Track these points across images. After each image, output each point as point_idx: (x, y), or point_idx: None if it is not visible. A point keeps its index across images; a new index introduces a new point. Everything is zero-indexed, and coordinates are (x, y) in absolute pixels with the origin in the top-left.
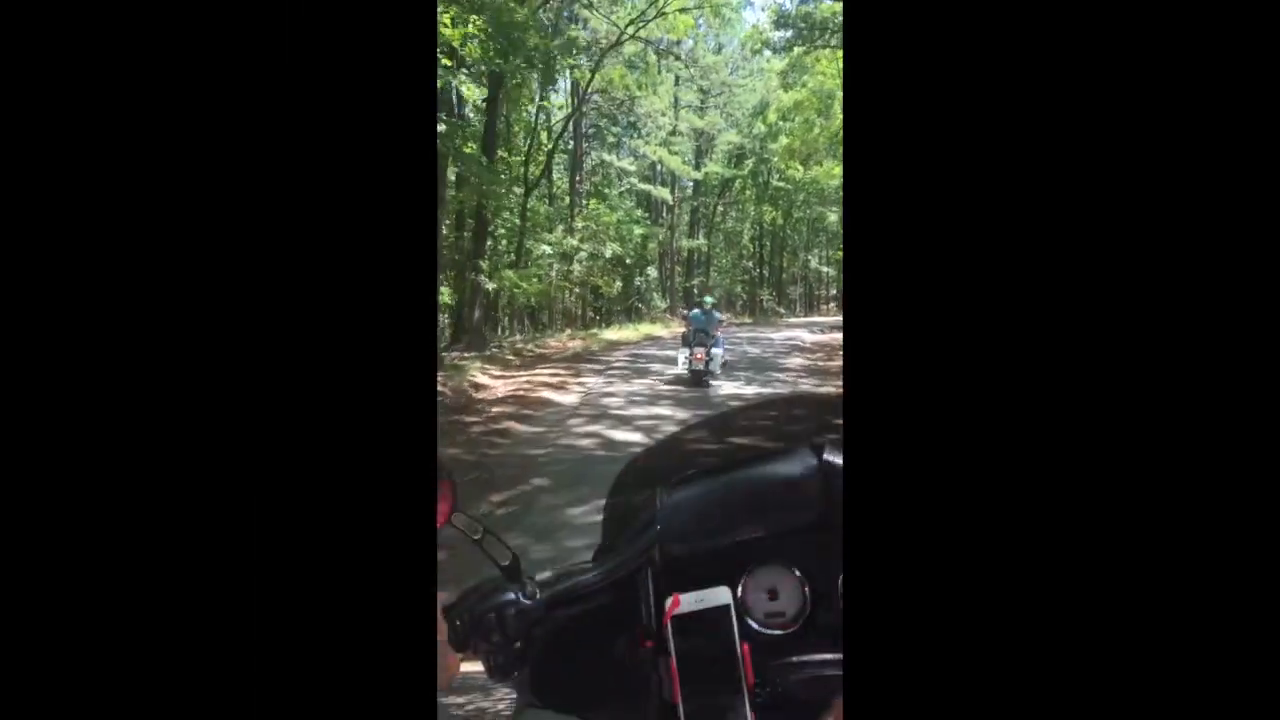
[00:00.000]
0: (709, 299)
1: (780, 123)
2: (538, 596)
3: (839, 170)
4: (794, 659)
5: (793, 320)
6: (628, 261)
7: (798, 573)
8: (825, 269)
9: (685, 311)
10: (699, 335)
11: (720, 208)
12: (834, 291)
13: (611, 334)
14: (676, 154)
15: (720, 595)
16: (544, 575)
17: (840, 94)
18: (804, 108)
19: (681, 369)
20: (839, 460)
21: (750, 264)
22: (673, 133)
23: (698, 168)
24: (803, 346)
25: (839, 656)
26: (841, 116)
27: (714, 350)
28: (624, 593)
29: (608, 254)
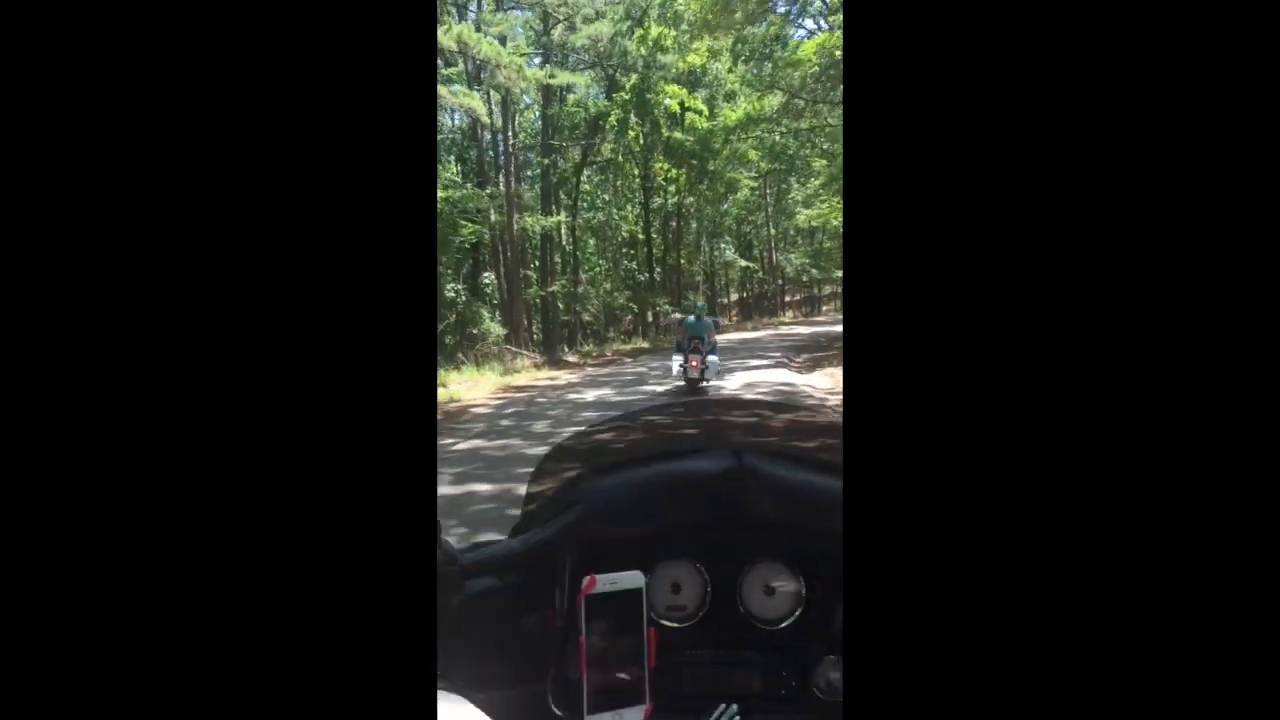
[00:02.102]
0: (701, 304)
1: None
2: (457, 561)
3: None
4: (687, 652)
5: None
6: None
7: (702, 569)
8: (747, 264)
9: (679, 317)
10: (694, 342)
11: (585, 171)
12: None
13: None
14: (512, 57)
15: (634, 579)
16: (458, 544)
17: None
18: None
19: (677, 377)
20: (757, 464)
21: (635, 263)
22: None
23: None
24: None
25: (730, 653)
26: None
27: (709, 357)
28: (538, 571)
29: None
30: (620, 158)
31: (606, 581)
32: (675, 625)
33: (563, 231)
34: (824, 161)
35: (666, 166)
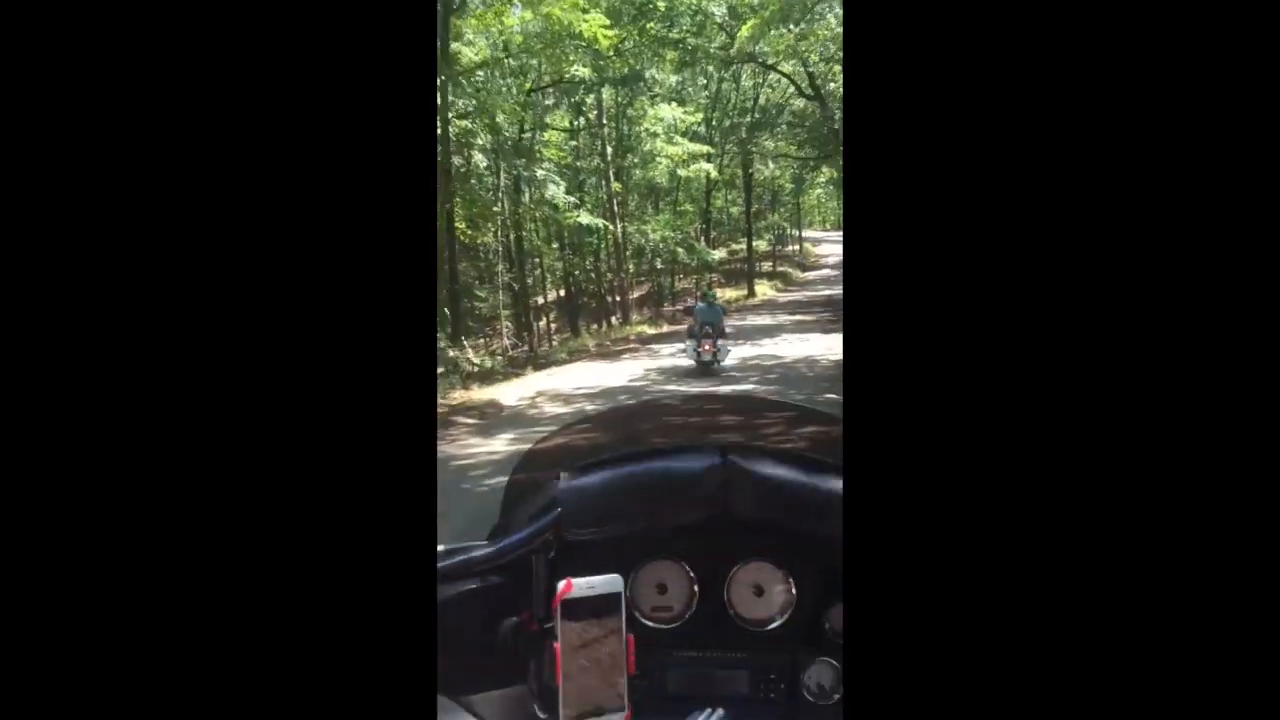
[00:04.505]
0: (714, 293)
1: None
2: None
3: None
4: (673, 653)
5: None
6: None
7: (688, 569)
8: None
9: (691, 304)
10: (705, 328)
11: None
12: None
13: None
14: None
15: (613, 583)
16: (439, 547)
17: None
18: None
19: (690, 360)
20: (743, 462)
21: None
22: None
23: None
24: None
25: (717, 655)
26: None
27: (719, 341)
28: (515, 574)
29: None
30: None
31: (584, 585)
32: (661, 626)
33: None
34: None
35: None
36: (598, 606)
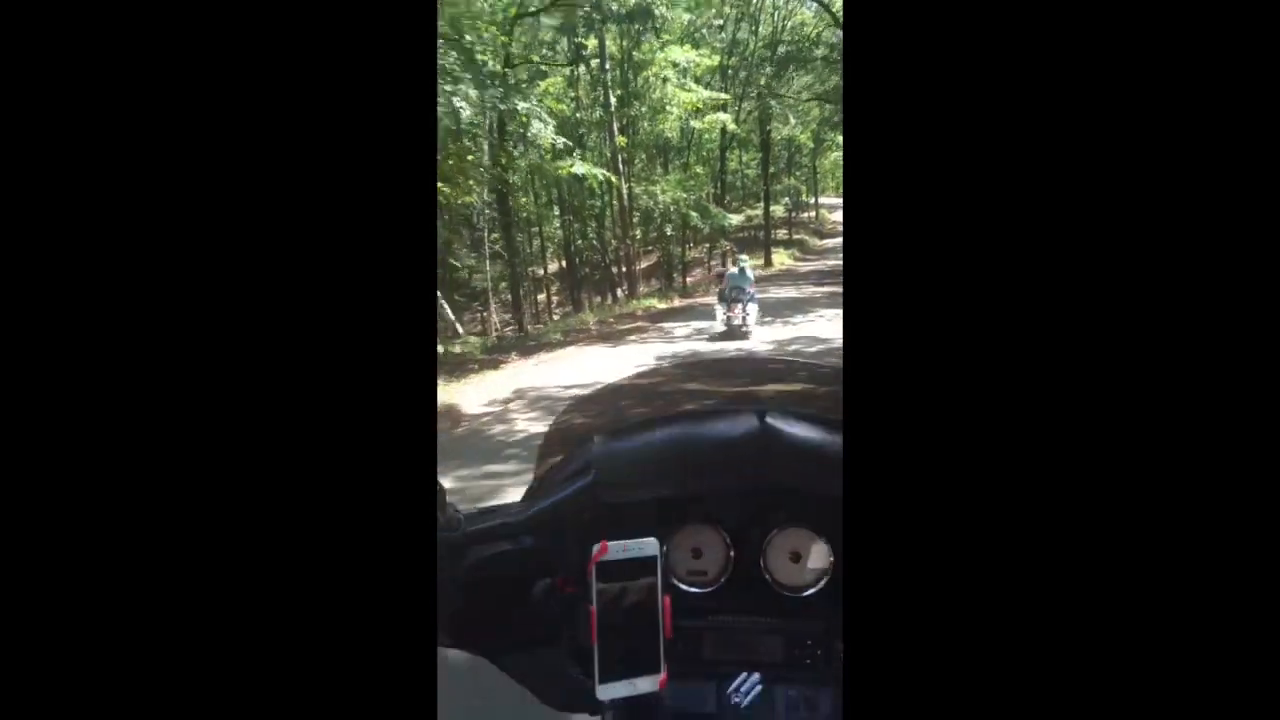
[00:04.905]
0: (745, 259)
1: None
2: (461, 527)
3: None
4: (709, 618)
5: None
6: None
7: (724, 534)
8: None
9: (722, 269)
10: (735, 291)
11: None
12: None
13: None
14: None
15: (648, 546)
16: (468, 508)
17: None
18: None
19: (720, 324)
20: (782, 425)
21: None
22: None
23: None
24: None
25: (753, 620)
26: None
27: (749, 305)
28: (549, 536)
29: None
30: None
31: (619, 548)
32: (696, 590)
33: None
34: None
35: None
36: (633, 569)
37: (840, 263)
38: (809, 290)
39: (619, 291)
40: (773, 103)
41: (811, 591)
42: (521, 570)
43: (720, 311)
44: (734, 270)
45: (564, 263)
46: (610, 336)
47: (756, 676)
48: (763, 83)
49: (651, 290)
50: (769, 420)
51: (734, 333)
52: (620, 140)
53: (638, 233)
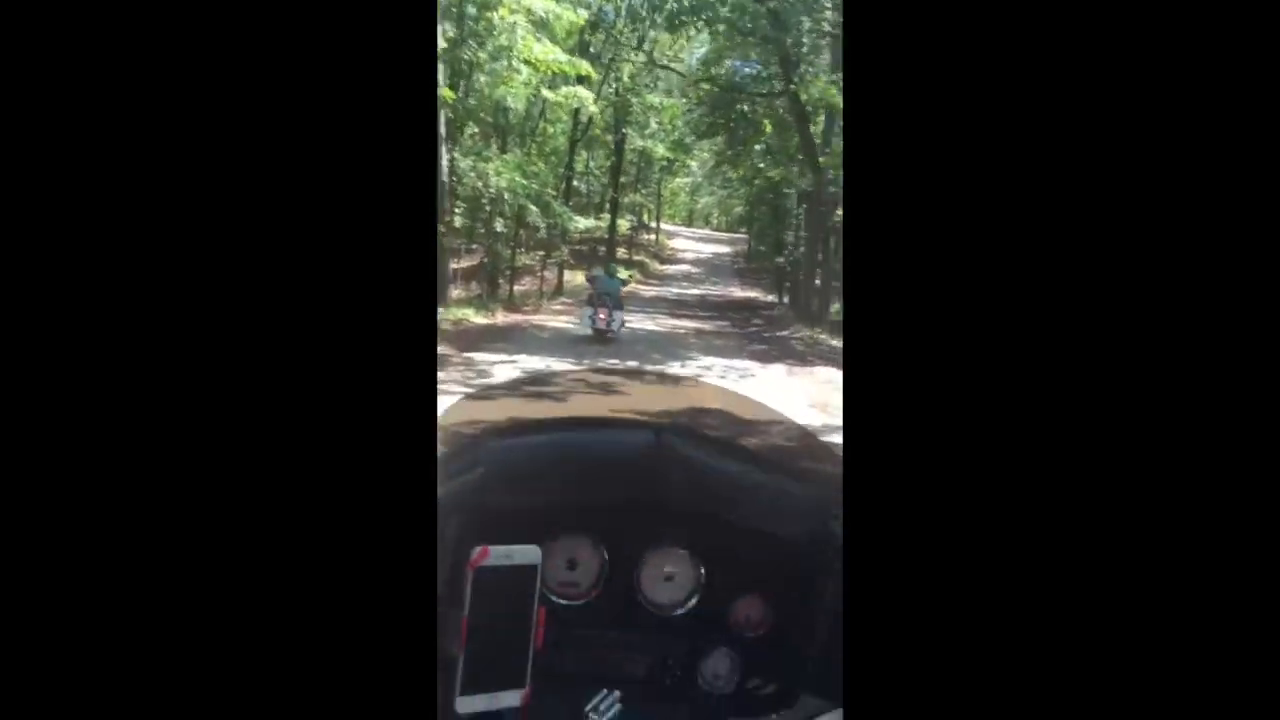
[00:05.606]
0: (615, 266)
1: None
2: None
3: None
4: (574, 631)
5: None
6: None
7: (602, 547)
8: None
9: (593, 274)
10: (603, 298)
11: None
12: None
13: None
14: None
15: (531, 554)
16: None
17: None
18: None
19: (586, 327)
20: (678, 445)
21: None
22: None
23: None
24: None
25: (619, 636)
26: None
27: (615, 312)
28: None
29: None
30: None
31: (501, 554)
32: (565, 602)
33: None
34: None
35: None
36: (512, 577)
37: (683, 291)
38: (663, 320)
39: None
40: (633, 100)
41: (680, 611)
42: None
43: (587, 314)
44: (603, 275)
45: None
46: None
47: (616, 694)
48: (639, 44)
49: (469, 296)
50: (664, 438)
51: (600, 337)
52: (446, 93)
53: (456, 221)
